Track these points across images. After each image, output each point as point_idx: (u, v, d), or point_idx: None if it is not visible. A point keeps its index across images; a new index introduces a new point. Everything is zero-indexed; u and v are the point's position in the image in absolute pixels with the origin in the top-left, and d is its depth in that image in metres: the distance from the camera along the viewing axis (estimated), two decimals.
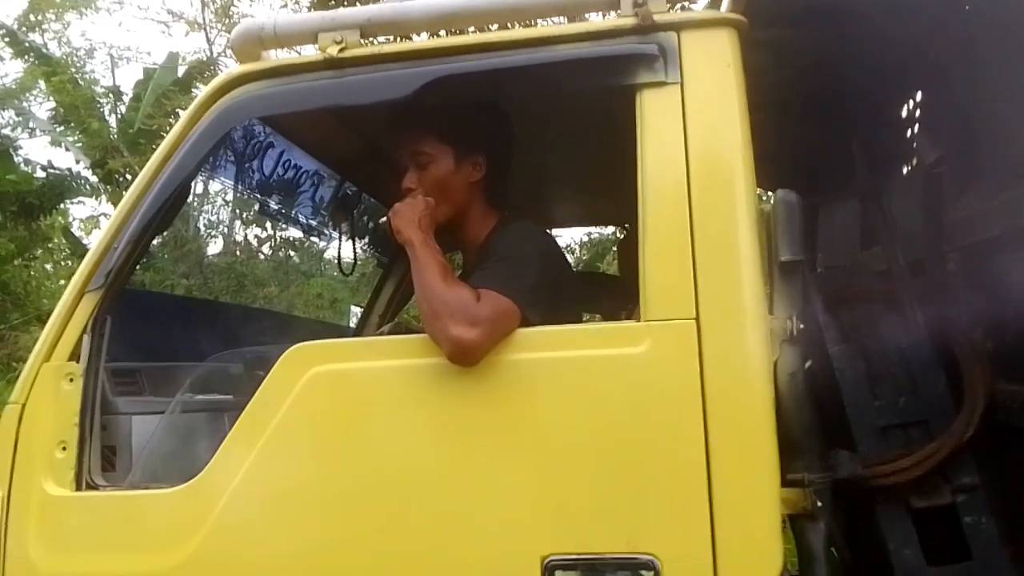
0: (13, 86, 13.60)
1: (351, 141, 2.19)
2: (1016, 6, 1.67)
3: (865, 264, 2.19)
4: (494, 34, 1.62)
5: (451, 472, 1.44)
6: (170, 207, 1.66)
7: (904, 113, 2.25)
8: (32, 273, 14.09)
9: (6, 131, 14.23)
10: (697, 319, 1.40)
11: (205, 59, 13.07)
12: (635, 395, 1.40)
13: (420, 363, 1.46)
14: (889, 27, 1.93)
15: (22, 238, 13.42)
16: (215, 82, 1.69)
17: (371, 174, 2.46)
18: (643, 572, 1.35)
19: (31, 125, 14.20)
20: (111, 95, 13.36)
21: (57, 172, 13.54)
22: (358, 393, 1.49)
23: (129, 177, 13.31)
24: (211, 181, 2.29)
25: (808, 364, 2.02)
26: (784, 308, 1.49)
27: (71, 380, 1.58)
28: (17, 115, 14.06)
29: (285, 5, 13.19)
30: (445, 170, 1.75)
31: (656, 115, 1.49)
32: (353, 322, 3.76)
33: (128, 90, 13.41)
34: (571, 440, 1.41)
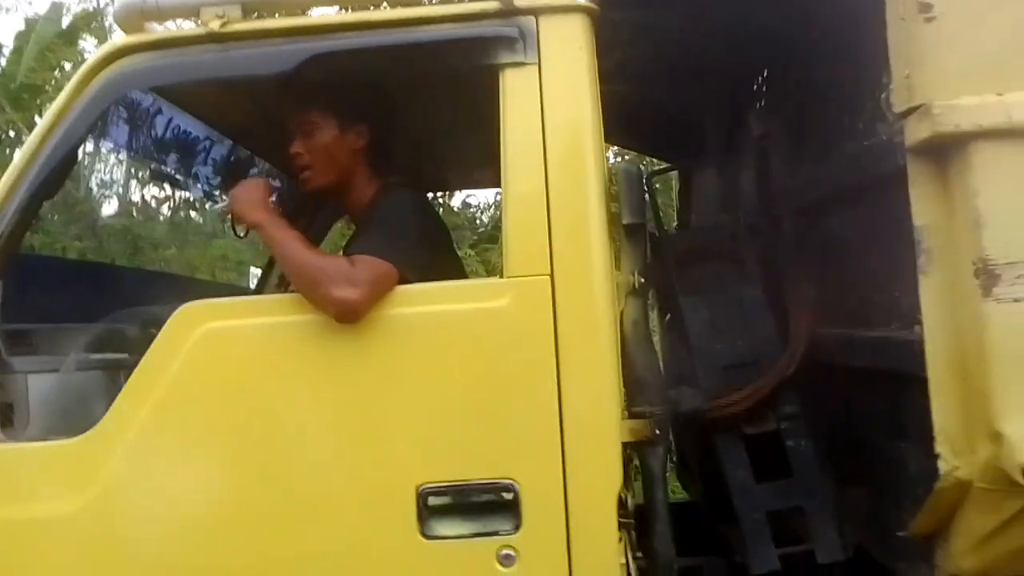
0: None
1: (239, 108, 2.26)
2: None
3: (719, 225, 2.44)
4: (369, 13, 1.74)
5: (333, 419, 1.60)
6: (56, 175, 1.72)
7: (753, 88, 2.49)
8: None
9: None
10: (552, 275, 1.59)
11: (92, 10, 12.35)
12: (498, 343, 1.59)
13: (302, 319, 1.60)
14: (736, 10, 2.14)
15: None
16: (99, 52, 1.75)
17: (261, 138, 2.54)
18: (504, 494, 1.55)
19: None
20: None
21: None
22: (245, 349, 1.61)
23: (12, 134, 12.61)
24: (105, 145, 2.30)
25: (667, 316, 2.28)
26: (629, 265, 1.70)
27: None
28: None
29: None
30: (330, 137, 1.86)
31: (516, 93, 1.66)
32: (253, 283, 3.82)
33: (8, 43, 12.57)
34: (441, 384, 1.59)
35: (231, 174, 2.65)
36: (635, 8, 2.06)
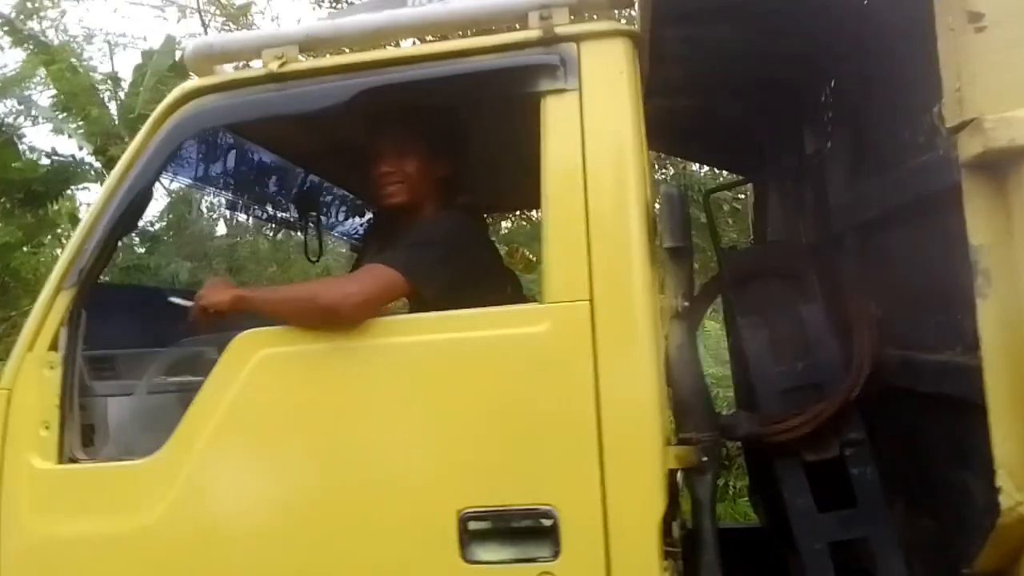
0: (13, 75, 13.73)
1: (309, 139, 2.38)
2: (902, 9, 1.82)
3: (778, 242, 2.37)
4: (417, 48, 1.80)
5: (380, 442, 1.65)
6: (134, 211, 1.86)
7: (820, 100, 2.41)
8: (40, 259, 14.36)
9: (9, 120, 14.43)
10: (591, 300, 1.59)
11: None
12: (537, 369, 1.60)
13: (350, 345, 1.66)
14: (789, 24, 2.08)
15: (29, 225, 13.65)
16: (171, 95, 1.88)
17: (332, 166, 2.65)
18: (543, 520, 1.55)
19: (33, 113, 14.37)
20: (110, 81, 13.48)
21: (61, 159, 13.71)
22: (299, 374, 1.69)
23: None
24: (186, 180, 2.46)
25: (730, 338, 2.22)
26: (673, 288, 1.68)
27: (51, 368, 1.78)
28: (19, 104, 14.23)
29: None
30: (418, 162, 1.98)
31: (557, 119, 1.67)
32: None
33: (126, 76, 13.53)
34: (482, 409, 1.61)
35: (301, 203, 2.77)
36: (688, 25, 2.04)
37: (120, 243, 1.96)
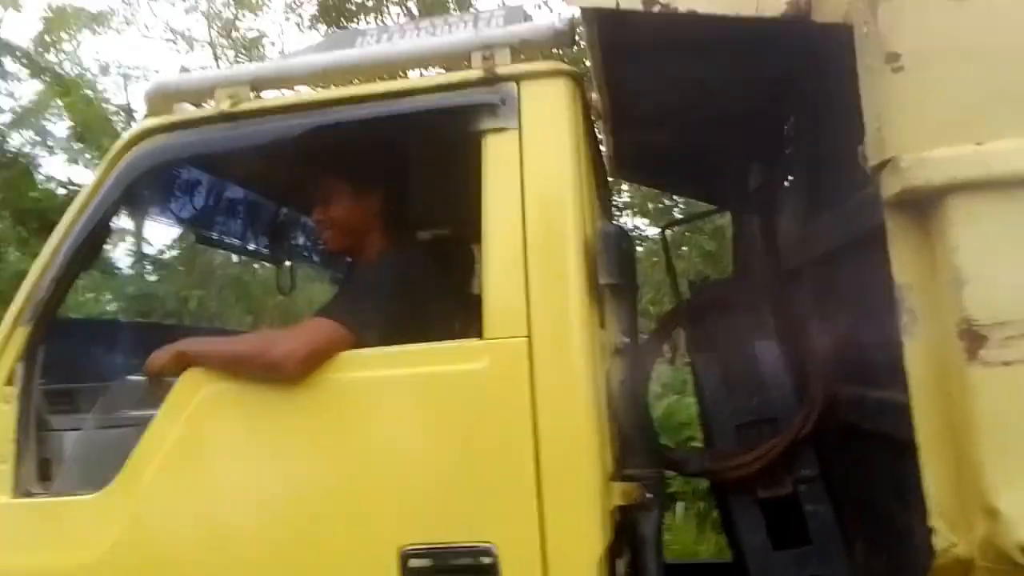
0: (31, 106, 14.03)
1: (270, 175, 2.41)
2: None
3: (731, 278, 2.36)
4: (361, 87, 1.83)
5: (318, 479, 1.65)
6: (91, 246, 1.89)
7: (782, 135, 2.42)
8: None
9: (26, 149, 14.73)
10: (529, 337, 1.60)
11: None
12: (476, 406, 1.60)
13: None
14: (750, 58, 2.10)
15: None
16: (126, 135, 1.92)
17: (295, 199, 2.69)
18: (483, 558, 1.55)
19: (49, 143, 14.67)
20: (123, 112, 13.74)
21: (76, 188, 13.95)
22: (237, 411, 1.70)
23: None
24: (163, 215, 2.50)
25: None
26: (613, 324, 1.68)
27: (7, 403, 1.81)
28: (36, 134, 14.53)
29: (288, 19, 13.54)
30: (344, 204, 1.98)
31: (497, 157, 1.69)
32: None
33: (139, 107, 13.79)
34: (421, 445, 1.62)
35: (272, 235, 2.81)
36: (643, 60, 2.06)
37: (78, 279, 1.98)
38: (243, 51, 13.22)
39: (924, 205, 1.32)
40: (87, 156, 14.10)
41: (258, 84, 1.87)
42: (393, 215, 2.02)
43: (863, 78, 1.39)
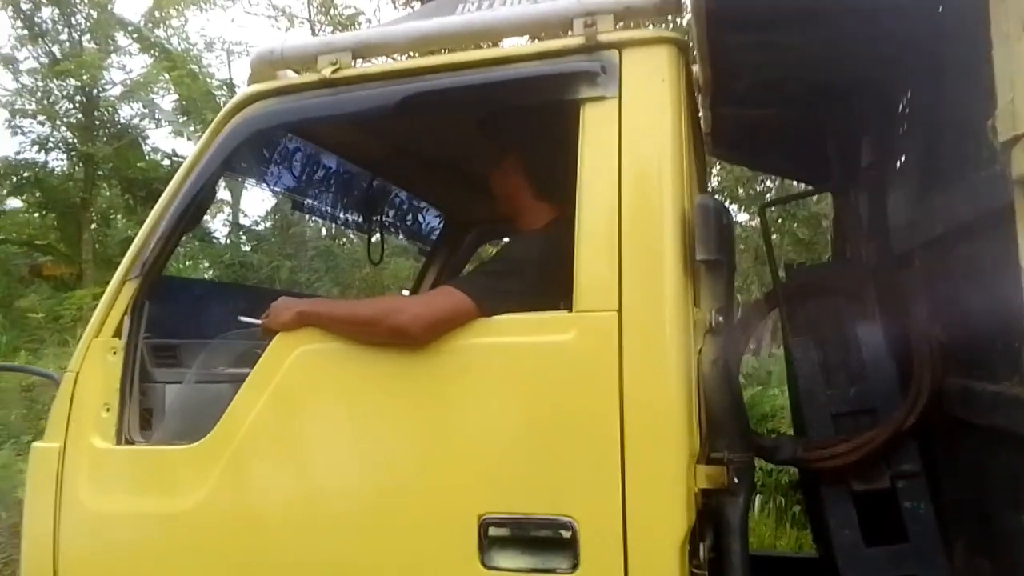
0: (140, 80, 14.73)
1: (367, 143, 2.44)
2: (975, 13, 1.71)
3: (836, 260, 2.25)
4: (462, 54, 1.82)
5: (406, 442, 1.67)
6: (196, 208, 1.95)
7: (898, 110, 2.29)
8: None
9: (135, 121, 15.52)
10: (620, 311, 1.56)
11: None
12: (562, 378, 1.58)
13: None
14: (863, 27, 1.99)
15: None
16: (233, 100, 1.97)
17: (392, 169, 2.71)
18: (562, 531, 1.53)
19: (156, 116, 15.40)
20: (225, 87, 14.26)
21: (181, 160, 14.60)
22: (330, 371, 1.74)
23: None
24: (263, 181, 2.56)
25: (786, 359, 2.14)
26: (708, 302, 1.62)
27: (115, 353, 1.90)
28: (144, 107, 15.28)
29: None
30: (496, 170, 2.01)
31: (595, 126, 1.65)
32: None
33: (241, 82, 14.31)
34: (506, 416, 1.61)
35: (366, 206, 2.85)
36: (751, 32, 1.97)
37: (184, 238, 2.05)
38: (339, 28, 13.47)
39: None
40: (191, 129, 14.75)
41: (360, 51, 1.88)
42: (535, 188, 1.97)
43: (997, 46, 1.28)
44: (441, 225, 3.39)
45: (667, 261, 1.57)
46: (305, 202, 2.75)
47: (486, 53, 1.79)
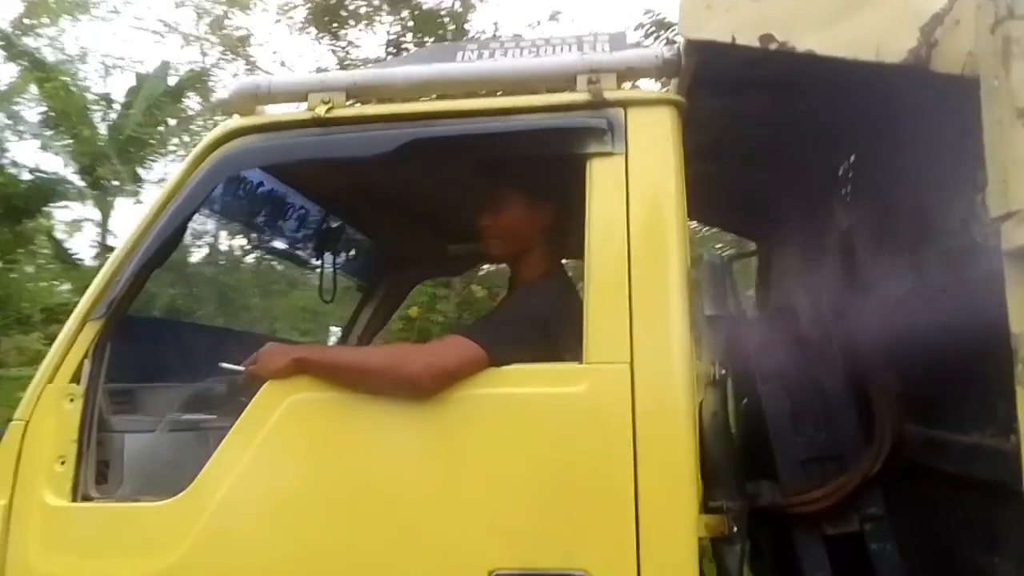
0: (5, 90, 13.68)
1: (341, 184, 2.38)
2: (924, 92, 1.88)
3: (801, 311, 2.39)
4: (468, 102, 1.82)
5: (411, 494, 1.62)
6: (168, 246, 1.84)
7: (839, 173, 2.47)
8: (12, 276, 14.16)
9: None
10: (632, 363, 1.60)
11: (198, 70, 13.23)
12: (575, 429, 1.59)
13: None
14: (823, 99, 2.14)
15: (5, 240, 13.49)
16: (213, 133, 1.88)
17: (357, 209, 2.66)
18: None
19: (20, 128, 14.30)
20: (103, 102, 13.48)
21: (44, 176, 13.63)
22: (329, 421, 1.67)
23: (116, 183, 13.47)
24: (234, 219, 2.44)
25: (744, 401, 2.24)
26: (709, 355, 1.69)
27: (71, 400, 1.75)
28: (7, 118, 14.16)
29: (279, 21, 13.43)
30: (518, 214, 1.93)
31: (603, 182, 1.70)
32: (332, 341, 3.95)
33: (119, 98, 13.56)
34: (517, 467, 1.60)
35: (319, 243, 2.77)
36: (725, 95, 2.09)
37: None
38: (230, 50, 13.08)
39: None
40: (59, 144, 13.78)
41: (354, 91, 1.84)
42: (554, 234, 1.96)
43: (989, 131, 1.42)
44: (382, 261, 3.34)
45: (676, 314, 1.62)
46: (265, 240, 2.65)
47: (493, 102, 1.80)
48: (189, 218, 1.85)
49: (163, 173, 15.80)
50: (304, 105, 1.84)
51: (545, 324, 1.75)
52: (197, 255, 11.84)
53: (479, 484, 1.60)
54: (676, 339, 1.62)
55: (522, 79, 1.83)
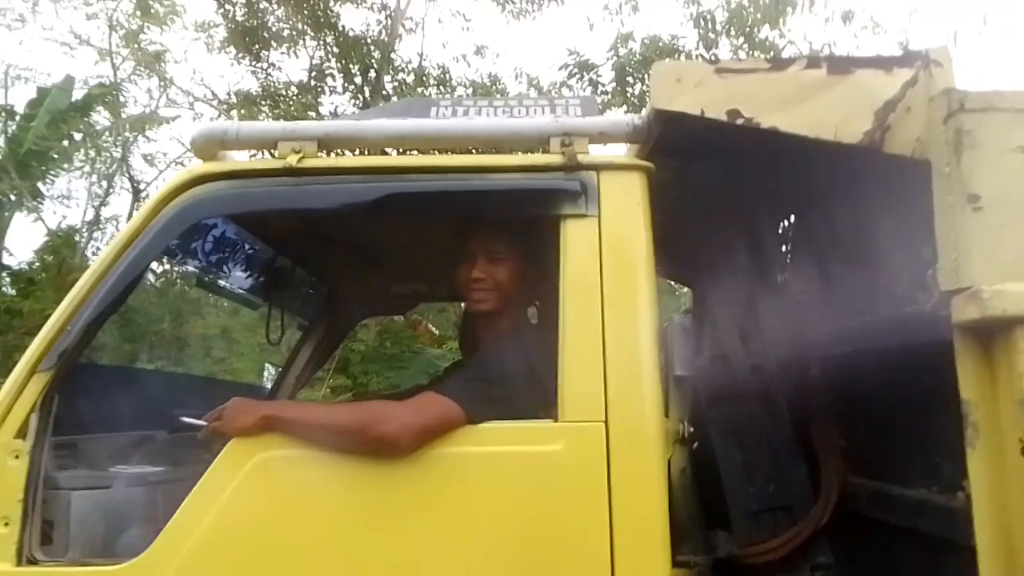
0: None
1: (299, 230, 2.34)
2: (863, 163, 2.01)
3: (750, 365, 2.49)
4: (443, 158, 1.84)
5: (382, 555, 1.60)
6: (124, 293, 1.77)
7: (778, 231, 2.60)
8: None
9: None
10: (606, 422, 1.63)
11: (107, 84, 12.70)
12: (552, 488, 1.62)
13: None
14: (768, 164, 2.26)
15: None
16: (176, 179, 1.82)
17: (309, 252, 2.61)
18: None
19: None
20: (2, 113, 12.75)
21: None
22: (299, 479, 1.63)
23: (14, 198, 12.72)
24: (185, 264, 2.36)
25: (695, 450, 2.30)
26: (677, 412, 1.74)
27: (17, 457, 1.65)
28: None
29: (198, 38, 13.09)
30: (513, 270, 1.93)
31: (576, 243, 1.74)
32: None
33: (20, 109, 12.85)
34: (495, 526, 1.61)
35: (265, 284, 2.71)
36: (680, 158, 2.17)
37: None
38: (145, 65, 12.64)
39: (994, 332, 1.47)
40: None
41: (326, 142, 1.83)
42: (526, 289, 1.97)
43: (941, 214, 1.54)
44: (327, 300, 3.29)
45: (648, 373, 1.67)
46: (214, 282, 2.57)
47: (468, 159, 1.83)
48: (147, 266, 1.79)
49: (64, 189, 15.07)
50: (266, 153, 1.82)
51: (517, 378, 1.77)
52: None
53: (455, 543, 1.60)
54: (648, 397, 1.66)
55: (496, 139, 1.86)
